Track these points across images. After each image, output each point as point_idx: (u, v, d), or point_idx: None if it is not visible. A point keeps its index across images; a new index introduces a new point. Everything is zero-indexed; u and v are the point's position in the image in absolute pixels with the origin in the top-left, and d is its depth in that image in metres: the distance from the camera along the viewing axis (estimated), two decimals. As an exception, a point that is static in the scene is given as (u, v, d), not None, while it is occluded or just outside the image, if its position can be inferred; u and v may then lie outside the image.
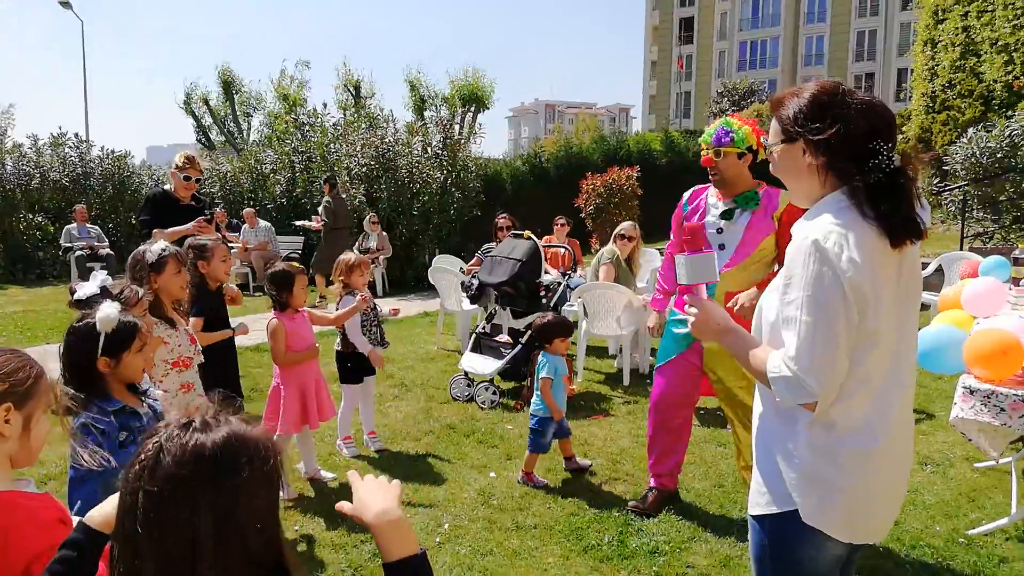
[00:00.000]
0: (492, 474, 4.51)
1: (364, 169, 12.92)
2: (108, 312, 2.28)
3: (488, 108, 21.30)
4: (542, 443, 4.39)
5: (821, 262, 1.70)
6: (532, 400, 4.50)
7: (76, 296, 2.60)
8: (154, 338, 3.21)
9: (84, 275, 13.46)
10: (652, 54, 63.93)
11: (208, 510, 1.12)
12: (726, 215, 3.65)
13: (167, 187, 5.46)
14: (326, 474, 4.48)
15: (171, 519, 1.11)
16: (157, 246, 3.34)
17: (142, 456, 1.16)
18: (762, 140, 3.59)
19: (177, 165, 5.33)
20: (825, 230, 1.72)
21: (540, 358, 4.48)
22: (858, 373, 1.76)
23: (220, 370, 4.03)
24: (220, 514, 1.12)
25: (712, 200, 3.75)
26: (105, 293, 2.60)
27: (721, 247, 3.60)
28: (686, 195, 3.89)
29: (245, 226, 12.97)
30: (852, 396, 1.77)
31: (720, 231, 3.64)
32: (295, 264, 4.26)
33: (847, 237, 1.71)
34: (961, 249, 9.71)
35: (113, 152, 16.49)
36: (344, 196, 11.82)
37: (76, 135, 17.00)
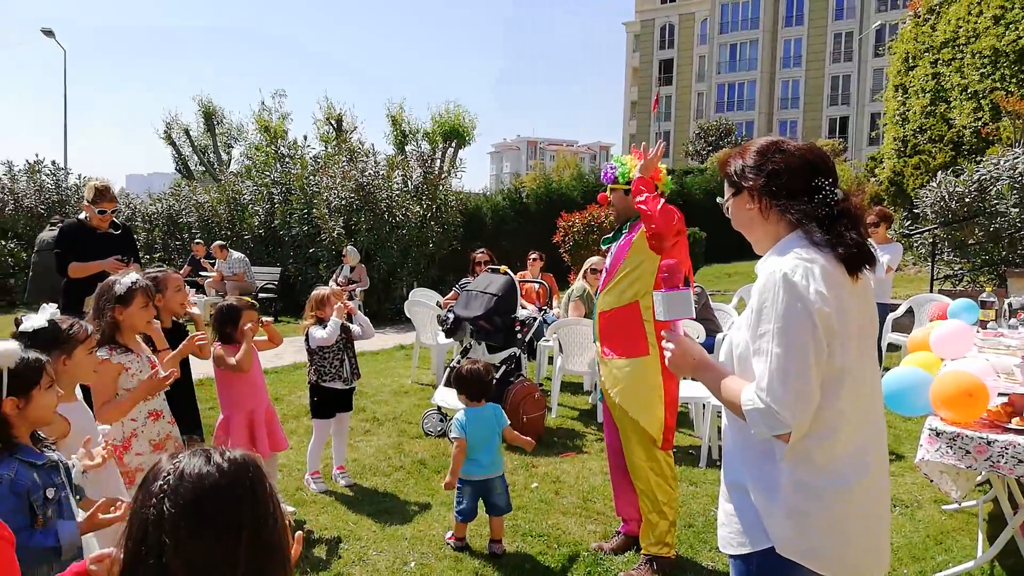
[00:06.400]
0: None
1: (343, 202, 12.94)
2: (6, 347, 2.11)
3: (469, 143, 21.41)
4: (462, 509, 3.94)
5: (790, 295, 1.74)
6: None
7: (21, 328, 2.50)
8: (113, 365, 3.15)
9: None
10: (632, 94, 65.14)
11: (250, 518, 1.20)
12: (606, 242, 3.88)
13: (82, 217, 5.26)
14: (287, 508, 4.41)
15: (209, 537, 1.17)
16: (128, 278, 3.28)
17: (164, 486, 1.19)
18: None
19: (88, 200, 5.15)
20: (792, 264, 1.78)
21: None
22: (833, 409, 1.78)
23: (175, 404, 3.91)
24: (259, 522, 1.21)
25: None
26: (53, 326, 2.53)
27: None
28: None
29: (218, 259, 12.89)
30: (832, 433, 1.79)
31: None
32: (245, 299, 4.23)
33: (813, 271, 1.76)
34: (931, 291, 9.85)
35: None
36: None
37: (53, 162, 16.90)
